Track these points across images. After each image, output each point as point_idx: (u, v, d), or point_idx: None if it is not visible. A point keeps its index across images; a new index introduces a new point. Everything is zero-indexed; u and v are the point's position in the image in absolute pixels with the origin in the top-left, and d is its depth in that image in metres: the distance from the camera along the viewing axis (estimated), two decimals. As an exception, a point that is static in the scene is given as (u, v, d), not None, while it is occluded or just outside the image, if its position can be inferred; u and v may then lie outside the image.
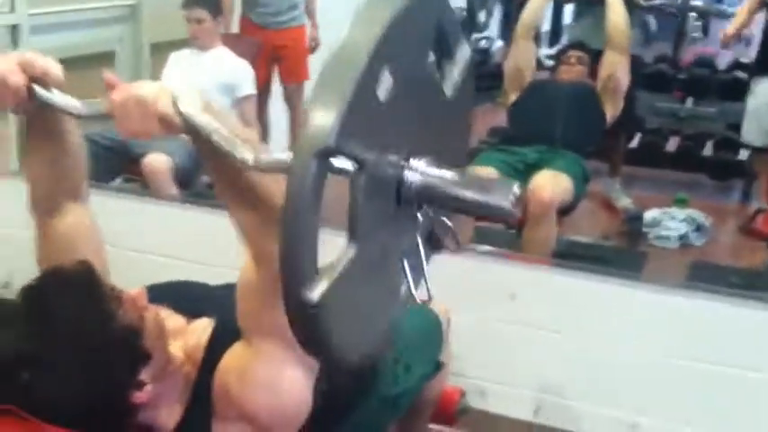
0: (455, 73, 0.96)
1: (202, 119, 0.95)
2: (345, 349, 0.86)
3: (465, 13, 5.96)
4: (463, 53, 0.97)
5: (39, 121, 1.21)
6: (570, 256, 3.50)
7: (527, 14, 3.41)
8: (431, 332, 1.75)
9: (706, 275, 3.24)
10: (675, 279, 2.82)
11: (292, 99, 4.29)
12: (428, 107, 0.92)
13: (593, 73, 3.36)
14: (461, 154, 1.08)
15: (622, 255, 3.64)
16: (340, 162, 0.76)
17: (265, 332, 1.08)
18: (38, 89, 1.10)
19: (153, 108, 0.97)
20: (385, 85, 0.78)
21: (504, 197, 0.85)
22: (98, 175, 3.26)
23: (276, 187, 0.92)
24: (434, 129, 0.93)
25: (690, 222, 3.74)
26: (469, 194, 0.86)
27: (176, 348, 1.24)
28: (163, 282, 1.42)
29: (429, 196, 0.87)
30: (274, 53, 4.17)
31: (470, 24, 6.07)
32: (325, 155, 0.74)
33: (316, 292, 0.76)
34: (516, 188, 0.85)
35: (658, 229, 3.73)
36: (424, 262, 0.92)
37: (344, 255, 0.80)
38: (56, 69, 1.12)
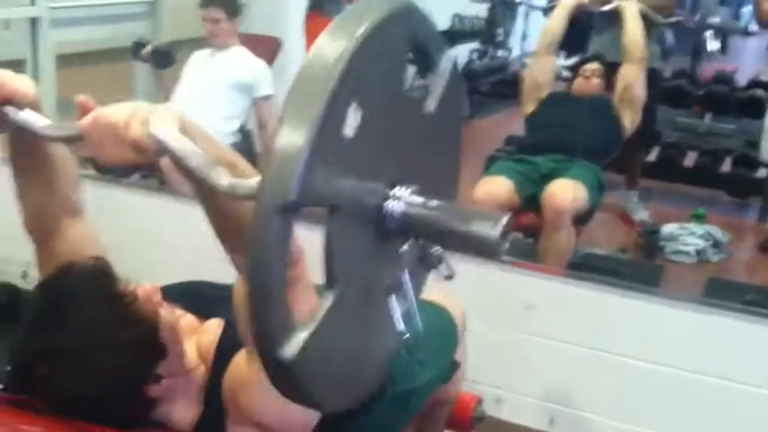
0: (439, 85, 0.89)
1: (177, 142, 0.85)
2: (334, 397, 0.82)
3: (484, 24, 5.93)
4: (446, 63, 0.90)
5: (21, 141, 1.15)
6: (587, 267, 3.47)
7: (548, 29, 3.41)
8: (445, 332, 1.73)
9: (722, 292, 3.21)
10: (692, 294, 2.79)
11: None
12: (409, 127, 0.85)
13: (610, 86, 3.36)
14: (452, 173, 1.00)
15: (639, 268, 3.61)
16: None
17: None
18: (9, 110, 1.02)
19: (124, 133, 0.89)
20: (352, 121, 0.72)
21: (492, 227, 0.77)
22: (115, 169, 3.28)
23: None
24: (419, 147, 0.87)
25: (707, 238, 3.71)
26: (455, 225, 0.78)
27: (190, 346, 1.24)
28: (175, 282, 1.41)
29: (413, 227, 0.80)
30: None
31: (490, 38, 6.06)
32: (287, 210, 0.69)
33: (291, 350, 0.71)
34: (505, 220, 0.78)
35: (676, 244, 3.70)
36: (412, 296, 0.84)
37: (323, 303, 0.75)
38: (26, 87, 1.04)
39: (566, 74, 3.90)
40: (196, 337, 1.27)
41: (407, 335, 0.84)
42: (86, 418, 1.06)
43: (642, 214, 4.01)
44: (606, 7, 3.45)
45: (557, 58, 3.38)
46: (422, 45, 0.86)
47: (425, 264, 0.86)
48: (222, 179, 0.81)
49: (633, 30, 3.30)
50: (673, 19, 3.75)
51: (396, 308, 0.82)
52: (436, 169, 0.90)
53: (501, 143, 4.67)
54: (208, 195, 0.89)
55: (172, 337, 1.16)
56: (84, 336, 1.06)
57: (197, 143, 0.86)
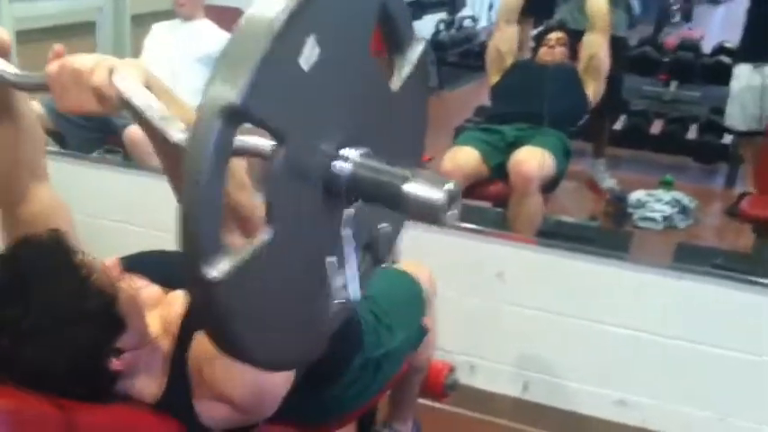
0: (405, 67, 0.87)
1: (138, 94, 0.87)
2: (267, 349, 0.78)
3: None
4: (416, 46, 0.88)
5: None
6: (556, 235, 3.49)
7: (504, 2, 3.41)
8: (411, 297, 1.73)
9: (691, 256, 3.25)
10: (660, 260, 2.82)
11: None
12: (368, 95, 0.82)
13: (574, 54, 3.36)
14: (415, 151, 0.98)
15: (608, 235, 3.64)
16: (254, 139, 0.69)
17: None
18: None
19: (87, 80, 0.90)
20: (309, 55, 0.69)
21: (438, 191, 0.74)
22: (80, 146, 3.24)
23: None
24: (377, 121, 0.84)
25: (674, 205, 3.74)
26: (401, 187, 0.75)
27: (153, 318, 1.22)
28: (138, 252, 1.39)
29: (358, 188, 0.77)
30: None
31: (455, 8, 6.03)
32: (230, 115, 0.65)
33: (217, 270, 0.68)
34: (452, 185, 0.75)
35: (643, 211, 3.74)
36: (350, 262, 0.81)
37: (258, 237, 0.72)
38: None
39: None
40: (160, 308, 1.25)
41: (343, 301, 0.81)
42: (49, 392, 1.04)
43: (609, 182, 4.04)
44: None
45: (517, 27, 3.36)
46: (392, 19, 0.84)
47: (376, 239, 0.85)
48: (177, 133, 0.81)
49: (596, 3, 3.28)
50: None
51: (334, 270, 0.80)
52: (396, 146, 0.87)
53: (470, 114, 4.67)
54: (165, 150, 0.89)
55: (132, 310, 1.13)
56: (40, 309, 1.04)
57: (159, 98, 0.87)
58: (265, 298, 0.75)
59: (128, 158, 3.18)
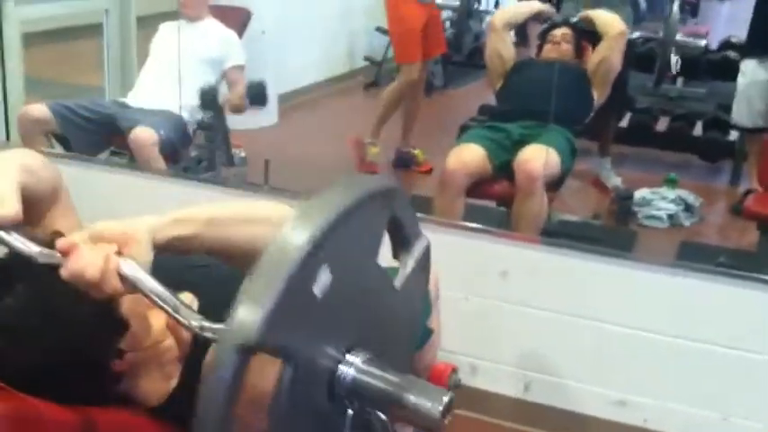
0: (409, 264, 0.94)
1: (147, 284, 0.94)
2: None
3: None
4: (420, 244, 0.96)
5: None
6: (561, 234, 3.49)
7: (507, 12, 3.44)
8: None
9: (694, 255, 3.24)
10: (665, 258, 2.82)
11: None
12: (373, 300, 0.90)
13: (579, 52, 3.36)
14: (407, 346, 1.06)
15: (612, 234, 3.64)
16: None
17: None
18: None
19: (97, 285, 0.94)
20: (322, 282, 0.77)
21: (435, 404, 0.82)
22: (85, 147, 3.26)
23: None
24: (379, 319, 0.91)
25: (679, 203, 3.74)
26: (401, 398, 0.83)
27: (158, 319, 1.22)
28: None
29: (361, 395, 0.84)
30: None
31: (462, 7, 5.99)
32: (248, 350, 0.73)
33: None
34: (447, 398, 0.83)
35: (648, 209, 3.73)
36: None
37: None
38: (7, 210, 1.03)
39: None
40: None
41: None
42: (49, 396, 1.04)
43: (615, 180, 4.03)
44: (572, 19, 3.46)
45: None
46: (400, 225, 0.92)
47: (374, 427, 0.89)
48: (192, 319, 0.88)
49: (604, 19, 3.29)
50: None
51: None
52: (393, 340, 0.93)
53: (475, 112, 4.66)
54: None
55: (135, 310, 1.14)
56: (38, 310, 1.04)
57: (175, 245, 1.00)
58: None
59: (134, 160, 3.20)
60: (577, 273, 2.40)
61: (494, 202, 3.13)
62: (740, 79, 3.73)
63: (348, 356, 0.84)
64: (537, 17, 3.47)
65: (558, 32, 3.38)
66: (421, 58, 4.08)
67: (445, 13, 5.99)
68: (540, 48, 3.46)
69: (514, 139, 3.02)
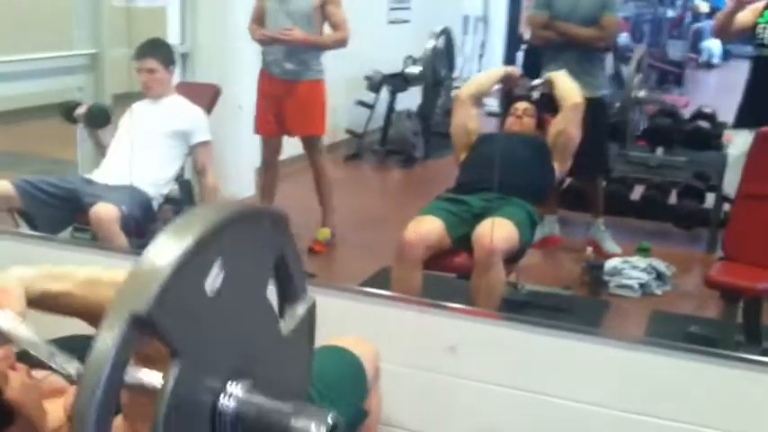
0: (294, 319, 0.91)
1: (19, 332, 0.89)
2: None
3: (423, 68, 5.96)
4: (306, 302, 0.93)
5: None
6: (530, 305, 3.46)
7: (472, 85, 3.48)
8: (351, 374, 1.70)
9: (665, 324, 3.21)
10: (628, 331, 2.78)
11: None
12: (259, 336, 0.87)
13: (540, 124, 3.40)
14: (301, 388, 1.01)
15: (583, 304, 3.61)
16: (146, 375, 0.75)
17: None
18: None
19: None
20: (213, 280, 0.74)
21: (321, 425, 0.80)
22: (50, 223, 3.26)
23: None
24: (266, 358, 0.88)
25: (650, 271, 3.71)
26: (283, 422, 0.80)
27: (55, 407, 1.19)
28: (70, 335, 1.37)
29: (244, 426, 0.80)
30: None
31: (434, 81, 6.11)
32: (136, 322, 0.69)
33: None
34: (330, 418, 0.80)
35: (619, 278, 3.71)
36: None
37: None
38: None
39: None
40: (65, 398, 1.23)
41: None
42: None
43: (610, 244, 4.02)
44: (536, 82, 3.53)
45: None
46: (288, 271, 0.89)
47: None
48: (68, 367, 0.85)
49: (563, 87, 3.35)
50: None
51: None
52: (282, 382, 0.90)
53: (453, 183, 4.68)
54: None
55: (26, 399, 1.12)
56: None
57: (55, 284, 0.97)
58: None
59: (96, 237, 3.20)
60: (531, 347, 2.35)
61: (453, 274, 3.10)
62: (731, 150, 3.70)
63: (229, 386, 0.80)
64: (504, 82, 3.51)
65: (521, 107, 3.42)
66: (275, 133, 4.10)
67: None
68: (502, 121, 3.49)
69: (475, 211, 3.02)
